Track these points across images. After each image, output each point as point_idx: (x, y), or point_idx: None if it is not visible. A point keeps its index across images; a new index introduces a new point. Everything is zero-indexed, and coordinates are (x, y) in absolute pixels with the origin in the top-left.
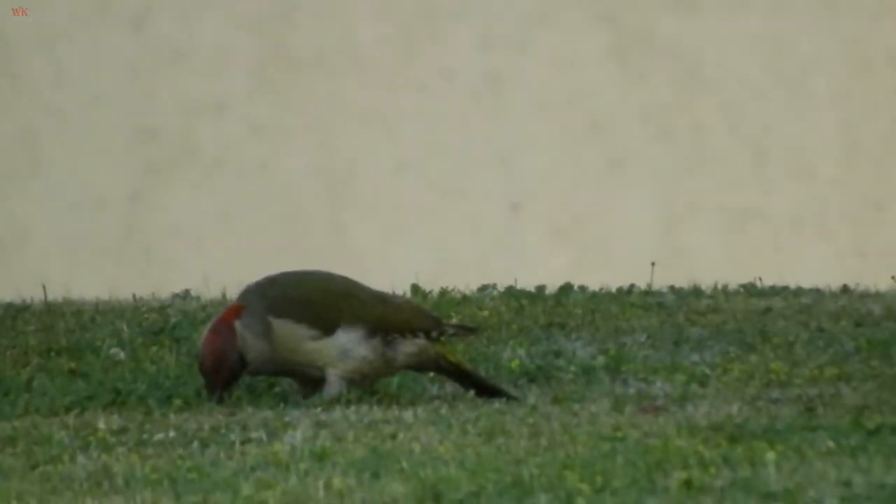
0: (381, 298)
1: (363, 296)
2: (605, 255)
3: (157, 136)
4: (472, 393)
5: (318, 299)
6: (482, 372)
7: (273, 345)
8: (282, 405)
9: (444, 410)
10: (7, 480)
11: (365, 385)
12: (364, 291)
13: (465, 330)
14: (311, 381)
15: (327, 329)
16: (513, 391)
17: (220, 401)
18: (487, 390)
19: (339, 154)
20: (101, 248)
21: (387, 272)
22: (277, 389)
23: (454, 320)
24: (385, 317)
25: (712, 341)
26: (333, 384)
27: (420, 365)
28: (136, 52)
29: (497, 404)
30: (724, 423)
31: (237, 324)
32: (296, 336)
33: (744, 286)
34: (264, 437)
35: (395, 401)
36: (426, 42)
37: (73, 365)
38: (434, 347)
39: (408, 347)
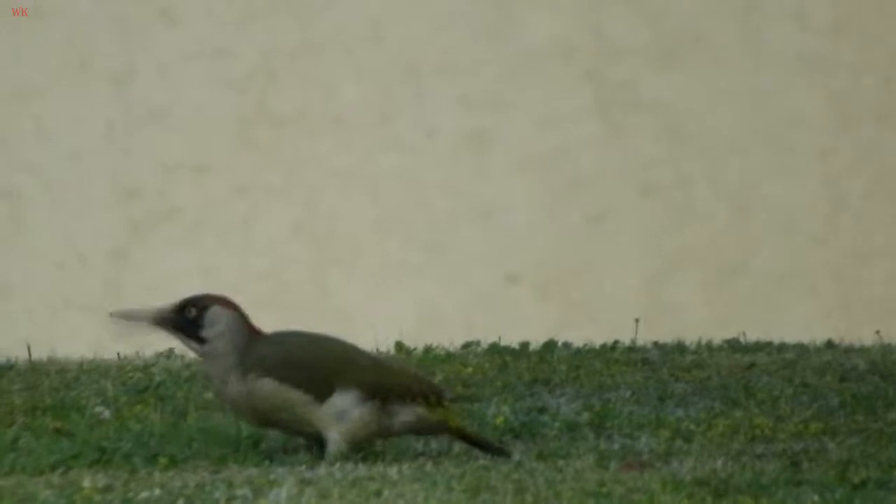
0: (377, 362)
1: (360, 359)
2: (589, 312)
3: (138, 195)
4: (456, 449)
5: (313, 363)
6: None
7: (252, 401)
8: (267, 462)
9: (429, 467)
10: None
11: (361, 447)
12: (360, 355)
13: (465, 399)
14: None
15: (322, 394)
16: (507, 449)
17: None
18: (492, 451)
19: (322, 213)
20: (85, 306)
21: (371, 329)
22: (263, 446)
23: (439, 379)
24: (381, 381)
25: (697, 397)
26: (336, 443)
27: (420, 431)
28: (116, 109)
29: (482, 460)
30: (709, 479)
31: (235, 314)
32: (288, 400)
33: (728, 342)
34: (249, 494)
35: (380, 457)
36: (407, 101)
37: (58, 424)
38: (435, 415)
39: (406, 416)
